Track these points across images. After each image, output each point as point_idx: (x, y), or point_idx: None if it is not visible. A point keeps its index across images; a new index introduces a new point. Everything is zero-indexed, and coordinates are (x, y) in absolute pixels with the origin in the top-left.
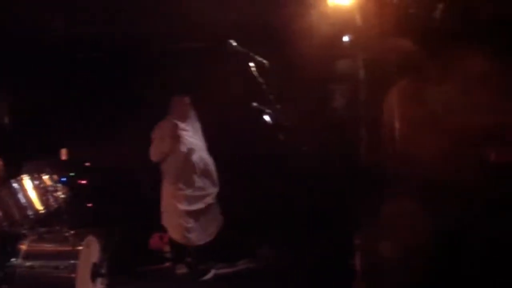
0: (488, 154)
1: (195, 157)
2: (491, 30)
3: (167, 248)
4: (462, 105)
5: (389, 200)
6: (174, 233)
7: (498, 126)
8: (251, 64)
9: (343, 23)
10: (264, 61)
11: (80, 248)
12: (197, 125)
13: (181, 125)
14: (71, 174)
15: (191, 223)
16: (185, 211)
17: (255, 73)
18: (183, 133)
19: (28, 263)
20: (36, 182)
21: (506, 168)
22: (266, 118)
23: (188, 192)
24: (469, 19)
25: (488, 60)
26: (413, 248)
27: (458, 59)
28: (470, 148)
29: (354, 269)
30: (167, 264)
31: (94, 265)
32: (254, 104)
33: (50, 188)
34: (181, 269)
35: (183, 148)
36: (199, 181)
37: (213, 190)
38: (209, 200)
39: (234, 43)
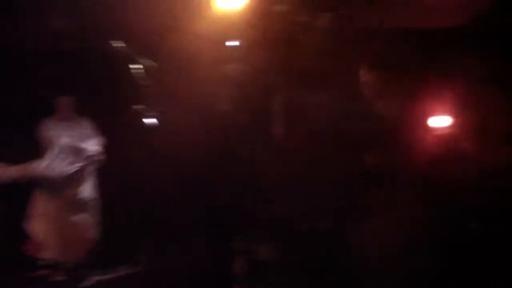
0: (365, 159)
1: (61, 163)
2: (365, 40)
3: (43, 255)
4: (340, 111)
5: (270, 202)
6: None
7: (374, 131)
8: (134, 66)
9: (230, 27)
10: (148, 63)
11: None
12: (82, 127)
13: (57, 127)
14: None
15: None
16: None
17: (138, 75)
18: (56, 134)
19: None
20: None
21: (381, 173)
22: (148, 120)
23: (54, 201)
24: (350, 28)
25: (366, 68)
26: (293, 249)
27: (339, 67)
28: (347, 153)
29: (234, 273)
30: (45, 271)
31: None
32: (136, 106)
33: None
34: (58, 276)
35: (50, 153)
36: (67, 189)
37: (84, 197)
38: (79, 209)
39: (117, 44)
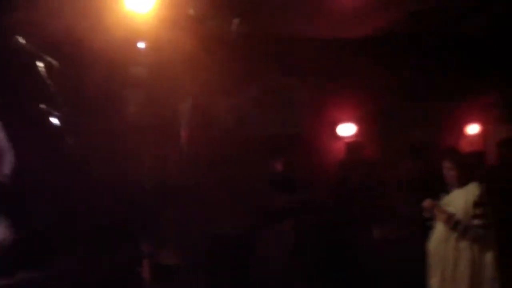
0: (273, 165)
1: None
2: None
3: None
4: (251, 117)
5: (175, 208)
6: None
7: (284, 138)
8: (40, 64)
9: (139, 29)
10: (54, 62)
11: None
12: None
13: None
14: None
15: None
16: None
17: (44, 74)
18: None
19: None
20: None
21: (288, 179)
22: (54, 120)
23: None
24: (262, 35)
25: (279, 75)
26: (199, 253)
27: (253, 73)
28: (257, 159)
29: (142, 277)
30: None
31: None
32: (42, 105)
33: None
34: None
35: None
36: None
37: None
38: None
39: (22, 40)
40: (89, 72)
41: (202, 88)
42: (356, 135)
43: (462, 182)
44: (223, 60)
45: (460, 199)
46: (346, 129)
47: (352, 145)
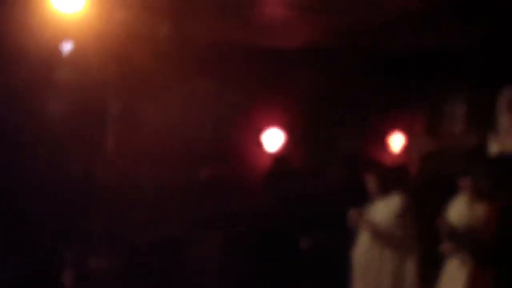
0: (201, 172)
1: None
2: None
3: None
4: (179, 124)
5: (101, 214)
6: None
7: (213, 145)
8: None
9: (66, 29)
10: None
11: None
12: None
13: None
14: None
15: None
16: None
17: None
18: None
19: None
20: None
21: (216, 185)
22: None
23: None
24: (191, 40)
25: (208, 82)
26: (125, 261)
27: (181, 77)
28: (183, 166)
29: (63, 285)
30: None
31: None
32: None
33: None
34: None
35: None
36: None
37: None
38: None
39: None
40: (15, 70)
41: (130, 90)
42: (284, 143)
43: (385, 193)
44: (151, 63)
45: (383, 209)
46: (274, 137)
47: (279, 155)
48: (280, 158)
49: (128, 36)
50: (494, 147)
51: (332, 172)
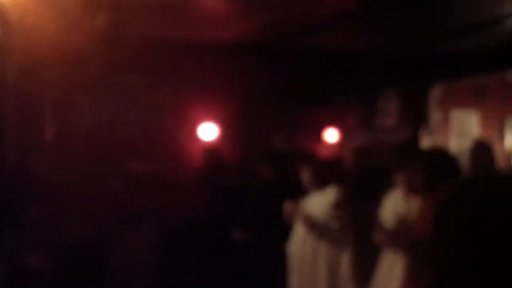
0: (131, 166)
1: None
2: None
3: None
4: (113, 118)
5: (33, 208)
6: None
7: (142, 140)
8: None
9: None
10: None
11: None
12: None
13: None
14: None
15: None
16: None
17: None
18: None
19: None
20: None
21: (147, 180)
22: None
23: None
24: (125, 33)
25: (141, 76)
26: (57, 256)
27: (114, 72)
28: (115, 160)
29: None
30: None
31: None
32: None
33: None
34: None
35: None
36: None
37: None
38: None
39: None
40: None
41: (64, 82)
42: (218, 138)
43: (320, 186)
44: (85, 56)
45: (318, 202)
46: (208, 132)
47: (211, 149)
48: (213, 152)
49: (61, 27)
50: (426, 142)
51: (265, 166)
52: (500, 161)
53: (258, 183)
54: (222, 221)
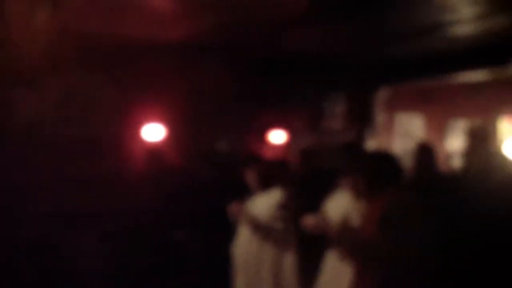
0: (73, 167)
1: None
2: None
3: None
4: (53, 117)
5: None
6: None
7: (89, 141)
8: None
9: None
10: None
11: None
12: None
13: None
14: None
15: None
16: None
17: None
18: None
19: None
20: None
21: (89, 181)
22: None
23: None
24: (69, 29)
25: (86, 75)
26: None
27: (57, 67)
28: (58, 162)
29: None
30: None
31: None
32: None
33: None
34: None
35: None
36: None
37: None
38: None
39: None
40: None
41: (5, 78)
42: (163, 139)
43: (265, 187)
44: (26, 50)
45: (263, 203)
46: (153, 133)
47: (154, 150)
48: (157, 153)
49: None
50: (370, 143)
51: (208, 167)
52: (441, 163)
53: (201, 184)
54: (165, 222)
